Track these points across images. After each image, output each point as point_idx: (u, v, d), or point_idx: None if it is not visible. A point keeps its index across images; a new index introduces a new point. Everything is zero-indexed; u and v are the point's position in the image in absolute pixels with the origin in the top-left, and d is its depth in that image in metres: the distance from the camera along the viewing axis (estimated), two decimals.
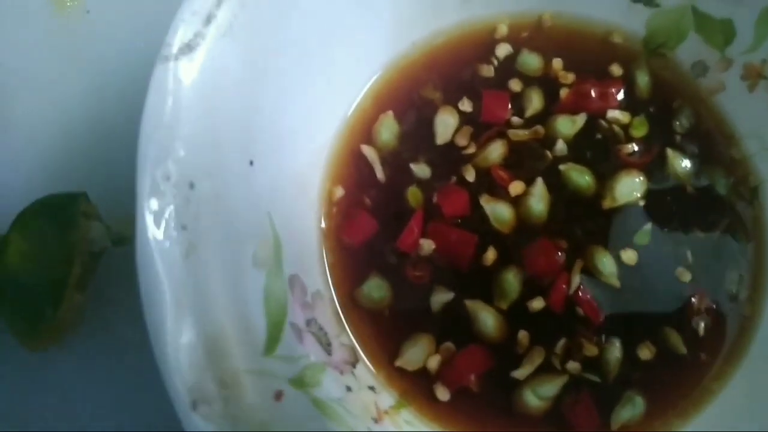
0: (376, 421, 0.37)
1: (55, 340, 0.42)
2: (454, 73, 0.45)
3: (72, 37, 0.47)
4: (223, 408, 0.30)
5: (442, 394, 0.40)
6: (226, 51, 0.34)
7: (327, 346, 0.38)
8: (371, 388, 0.39)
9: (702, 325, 0.42)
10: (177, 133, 0.32)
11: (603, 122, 0.45)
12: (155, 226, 0.30)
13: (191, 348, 0.30)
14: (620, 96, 0.45)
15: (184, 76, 0.32)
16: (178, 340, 0.30)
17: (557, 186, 0.43)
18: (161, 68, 0.32)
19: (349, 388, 0.37)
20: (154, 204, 0.31)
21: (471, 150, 0.44)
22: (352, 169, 0.44)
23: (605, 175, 0.43)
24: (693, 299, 0.42)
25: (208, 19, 0.33)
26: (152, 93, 0.32)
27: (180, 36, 0.32)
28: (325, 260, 0.42)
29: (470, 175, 0.43)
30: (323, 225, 0.42)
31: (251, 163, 0.35)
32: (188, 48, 0.33)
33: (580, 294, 0.41)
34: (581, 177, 0.43)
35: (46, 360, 0.42)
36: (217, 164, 0.33)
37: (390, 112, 0.44)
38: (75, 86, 0.45)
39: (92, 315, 0.43)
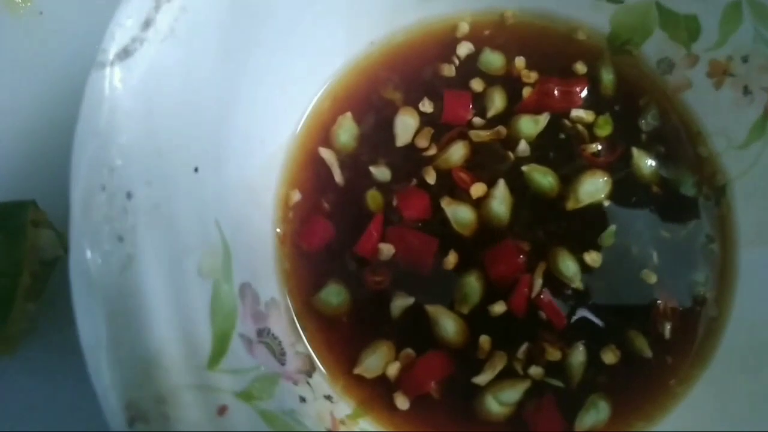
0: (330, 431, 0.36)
1: (6, 349, 0.41)
2: (414, 72, 0.44)
3: (24, 40, 0.46)
4: (162, 425, 0.29)
5: (402, 402, 0.39)
6: (166, 56, 0.33)
7: (281, 356, 0.37)
8: (327, 397, 0.38)
9: (668, 327, 0.41)
10: (113, 141, 0.31)
11: (567, 121, 0.44)
12: (89, 238, 0.29)
13: (127, 364, 0.29)
14: (584, 94, 0.44)
15: (120, 82, 0.31)
16: (114, 357, 0.29)
17: (520, 187, 0.42)
18: (96, 75, 0.31)
19: (303, 399, 0.37)
20: (88, 216, 0.30)
21: (432, 152, 0.43)
22: (310, 173, 0.43)
23: (569, 176, 0.43)
24: (659, 301, 0.41)
25: (147, 24, 0.32)
26: (86, 101, 0.31)
27: (116, 41, 0.31)
28: (281, 267, 0.41)
29: (431, 178, 0.42)
30: (279, 231, 0.41)
31: (196, 169, 0.34)
32: (125, 53, 0.31)
33: (543, 297, 0.40)
34: (544, 178, 0.42)
35: None
36: (158, 172, 0.32)
37: (348, 114, 0.43)
38: (25, 90, 0.44)
39: (47, 323, 0.43)
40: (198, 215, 0.34)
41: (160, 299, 0.31)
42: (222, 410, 0.31)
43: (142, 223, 0.31)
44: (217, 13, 0.35)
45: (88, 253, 0.29)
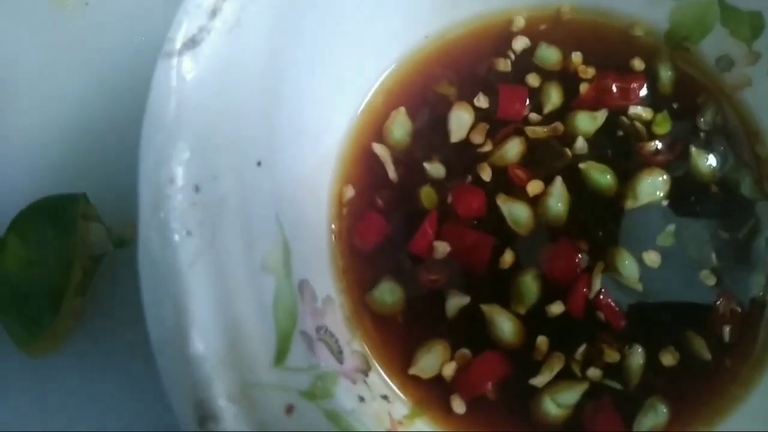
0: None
1: (54, 345, 0.40)
2: (469, 67, 0.44)
3: (71, 31, 0.45)
4: (233, 424, 0.28)
5: (458, 406, 0.38)
6: (233, 46, 0.32)
7: (338, 354, 0.36)
8: (384, 397, 0.38)
9: (727, 329, 0.40)
10: (181, 134, 0.30)
11: (624, 119, 0.43)
12: (158, 232, 0.29)
13: (197, 362, 0.28)
14: (642, 91, 0.43)
15: (188, 73, 0.30)
16: (184, 354, 0.28)
17: (577, 185, 0.41)
18: (164, 65, 0.30)
19: (362, 399, 0.36)
20: (156, 209, 0.29)
21: (487, 148, 0.42)
22: (364, 169, 0.42)
23: (627, 174, 0.42)
24: (718, 303, 0.41)
25: (214, 12, 0.31)
26: (154, 92, 0.30)
27: (183, 30, 0.31)
28: (335, 264, 0.40)
29: (486, 175, 0.41)
30: (333, 227, 0.41)
31: (259, 163, 0.34)
32: (192, 43, 0.31)
33: (601, 298, 0.40)
34: (602, 176, 0.41)
35: (46, 365, 0.40)
36: (224, 166, 0.32)
37: (402, 109, 0.42)
38: (74, 82, 0.44)
39: (92, 319, 0.42)
40: (261, 210, 0.34)
41: (227, 295, 0.30)
42: (290, 409, 0.31)
43: (209, 217, 0.30)
44: (279, 3, 0.34)
45: (158, 247, 0.29)
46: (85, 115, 0.43)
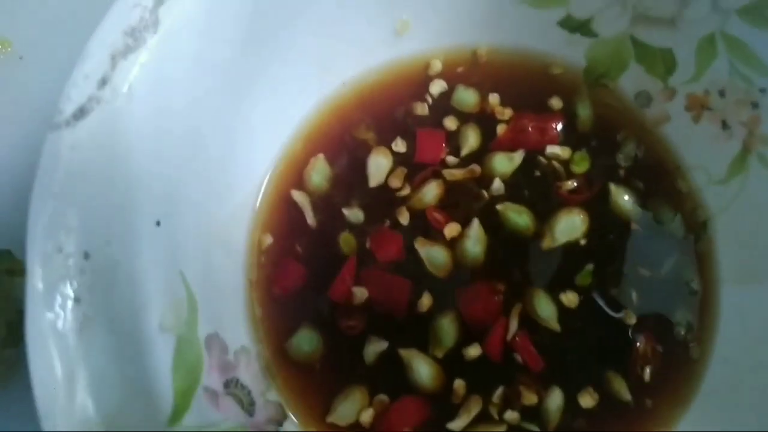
0: None
1: None
2: (387, 112, 0.44)
3: (3, 84, 0.46)
4: None
5: None
6: (125, 113, 0.33)
7: (249, 407, 0.37)
8: None
9: (648, 369, 0.40)
10: (70, 202, 0.31)
11: (542, 158, 0.43)
12: (45, 301, 0.30)
13: (84, 425, 0.29)
14: (560, 130, 0.43)
15: (78, 142, 0.31)
16: (71, 418, 0.29)
17: (494, 227, 0.42)
18: (52, 137, 0.31)
19: None
20: (44, 278, 0.30)
21: (405, 192, 0.42)
22: (282, 216, 0.42)
23: (545, 214, 0.42)
24: (638, 343, 0.40)
25: (103, 82, 0.32)
26: (43, 162, 0.31)
27: (73, 101, 0.32)
28: (252, 313, 0.41)
29: (404, 218, 0.42)
30: (251, 276, 0.41)
31: (158, 223, 0.34)
32: (81, 113, 0.32)
33: (518, 340, 0.40)
34: (519, 217, 0.42)
35: None
36: (117, 230, 0.32)
37: (321, 155, 0.43)
38: (2, 137, 0.45)
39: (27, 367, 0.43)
40: (161, 269, 0.34)
41: (119, 358, 0.31)
42: None
43: (100, 283, 0.31)
44: (179, 68, 0.35)
45: (45, 316, 0.30)
46: (10, 172, 0.44)
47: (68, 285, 0.30)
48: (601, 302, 0.41)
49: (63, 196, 0.31)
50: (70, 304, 0.30)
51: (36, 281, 0.30)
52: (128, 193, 0.33)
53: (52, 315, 0.30)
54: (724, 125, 0.40)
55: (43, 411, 0.29)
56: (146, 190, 0.34)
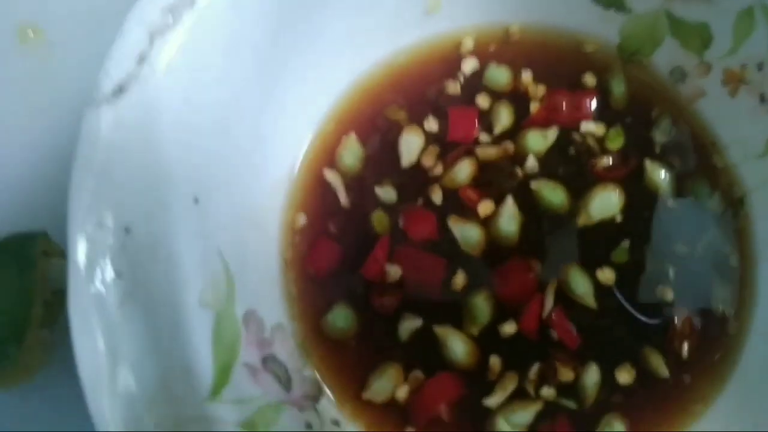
0: None
1: (24, 377, 0.41)
2: (418, 91, 0.44)
3: (36, 71, 0.47)
4: None
5: None
6: (163, 90, 0.33)
7: (286, 383, 0.37)
8: (335, 422, 0.38)
9: (685, 345, 0.40)
10: (111, 179, 0.31)
11: (576, 136, 0.43)
12: (87, 275, 0.30)
13: (128, 398, 0.30)
14: (594, 107, 0.43)
15: (116, 119, 0.31)
16: (114, 391, 0.29)
17: (529, 204, 0.41)
18: (91, 113, 0.31)
19: (309, 425, 0.36)
20: (86, 253, 0.30)
21: (438, 171, 0.42)
22: (315, 196, 0.42)
23: (580, 192, 0.42)
24: (675, 319, 0.40)
25: (141, 59, 0.32)
26: (83, 139, 0.31)
27: (111, 78, 0.32)
28: (287, 292, 0.41)
29: (437, 197, 0.42)
30: (285, 255, 0.41)
31: (196, 200, 0.35)
32: (120, 90, 0.32)
33: (554, 317, 0.40)
34: (554, 194, 0.41)
35: (17, 397, 0.42)
36: (157, 206, 0.33)
37: (353, 135, 0.43)
38: (38, 122, 0.45)
39: (64, 350, 0.43)
40: (199, 246, 0.34)
41: (159, 333, 0.31)
42: None
43: (140, 257, 0.32)
44: (214, 47, 0.35)
45: (87, 291, 0.30)
46: (46, 154, 0.44)
47: (110, 260, 0.31)
48: (637, 279, 0.41)
49: (103, 172, 0.31)
50: (111, 278, 0.30)
51: (78, 255, 0.30)
52: (166, 170, 0.33)
53: (95, 289, 0.30)
54: (762, 99, 0.40)
55: (88, 386, 0.29)
56: (183, 168, 0.34)
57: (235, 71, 0.37)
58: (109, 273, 0.30)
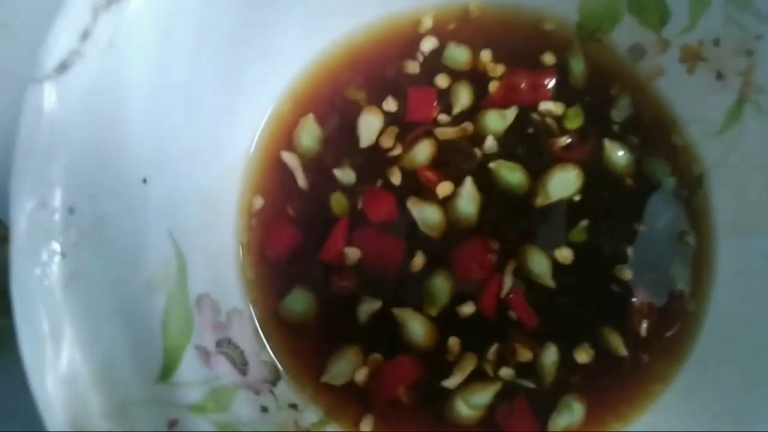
0: None
1: None
2: (377, 71, 0.43)
3: None
4: None
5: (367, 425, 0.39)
6: (108, 67, 0.32)
7: (242, 366, 0.37)
8: (293, 406, 0.38)
9: (644, 324, 0.40)
10: (53, 157, 0.30)
11: (535, 115, 0.42)
12: (30, 256, 0.29)
13: (72, 380, 0.29)
14: (553, 86, 0.43)
15: (59, 96, 0.31)
16: (58, 373, 0.29)
17: (488, 185, 0.41)
18: (33, 90, 0.31)
19: (264, 409, 0.36)
20: (28, 233, 0.29)
21: (397, 151, 0.42)
22: (273, 178, 0.42)
23: (538, 171, 0.41)
24: (634, 298, 0.40)
25: (84, 35, 0.32)
26: (24, 117, 0.30)
27: (54, 55, 0.31)
28: (245, 276, 0.40)
29: (396, 178, 0.41)
30: (242, 239, 0.41)
31: (144, 181, 0.34)
32: (63, 67, 0.31)
33: (513, 297, 0.39)
34: (512, 174, 0.41)
35: None
36: (102, 186, 0.32)
37: (311, 116, 0.42)
38: None
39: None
40: (148, 227, 0.34)
41: (106, 315, 0.31)
42: (173, 424, 0.31)
43: (85, 238, 0.31)
44: (160, 21, 0.34)
45: (30, 270, 0.29)
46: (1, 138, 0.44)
47: (54, 240, 0.30)
48: (595, 258, 0.41)
49: (46, 151, 0.30)
50: (56, 259, 0.30)
51: (21, 236, 0.29)
52: (113, 149, 0.33)
53: (39, 270, 0.29)
54: (719, 75, 0.40)
55: (29, 365, 0.29)
56: (132, 147, 0.34)
57: (186, 49, 0.36)
58: (54, 253, 0.30)
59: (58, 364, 0.29)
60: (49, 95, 0.31)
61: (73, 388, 0.29)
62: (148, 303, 0.33)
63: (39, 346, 0.29)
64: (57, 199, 0.30)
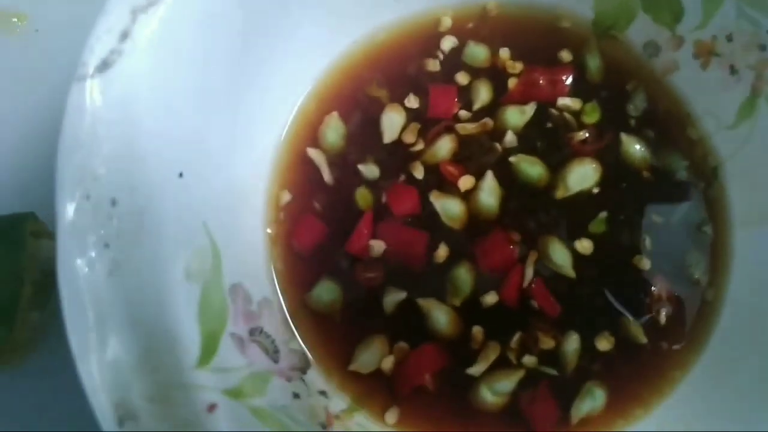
0: (324, 426, 0.37)
1: (14, 358, 0.42)
2: (399, 69, 0.45)
3: (21, 57, 0.47)
4: (151, 423, 0.30)
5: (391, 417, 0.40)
6: (146, 66, 0.34)
7: (274, 354, 0.38)
8: (322, 393, 0.39)
9: (663, 313, 0.41)
10: (96, 152, 0.32)
11: (554, 110, 0.44)
12: (75, 246, 0.30)
13: (116, 365, 0.30)
14: (570, 82, 0.44)
15: (101, 94, 0.32)
16: (103, 359, 0.30)
17: (508, 178, 0.42)
18: (77, 88, 0.32)
19: (296, 395, 0.37)
20: (74, 224, 0.31)
21: (419, 147, 0.43)
22: (299, 173, 0.43)
23: (557, 165, 0.43)
24: (653, 287, 0.41)
25: (124, 35, 0.33)
26: (68, 113, 0.32)
27: (96, 54, 0.32)
28: (274, 267, 0.42)
29: (419, 173, 0.43)
30: (270, 231, 0.42)
31: (181, 174, 0.35)
32: (104, 65, 0.32)
33: (534, 287, 0.41)
34: (532, 168, 0.42)
35: (7, 378, 0.42)
36: (142, 179, 0.33)
37: (335, 113, 0.44)
38: (24, 105, 0.46)
39: (54, 331, 0.44)
40: (185, 219, 0.35)
41: (148, 302, 0.32)
42: (211, 408, 0.32)
43: (127, 229, 0.32)
44: (195, 22, 0.36)
45: (75, 261, 0.30)
46: (33, 137, 0.45)
47: (98, 231, 0.31)
48: (614, 249, 0.42)
49: (89, 145, 0.32)
50: (100, 249, 0.31)
51: (67, 227, 0.31)
52: (151, 144, 0.34)
53: (83, 260, 0.31)
54: (732, 70, 0.41)
55: (78, 353, 0.30)
56: (168, 142, 0.35)
57: (218, 49, 0.38)
58: (97, 244, 0.31)
59: (103, 350, 0.30)
60: (92, 92, 0.32)
61: (117, 373, 0.30)
62: (185, 291, 0.34)
63: (85, 333, 0.30)
64: (100, 191, 0.32)
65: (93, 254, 0.31)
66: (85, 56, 0.32)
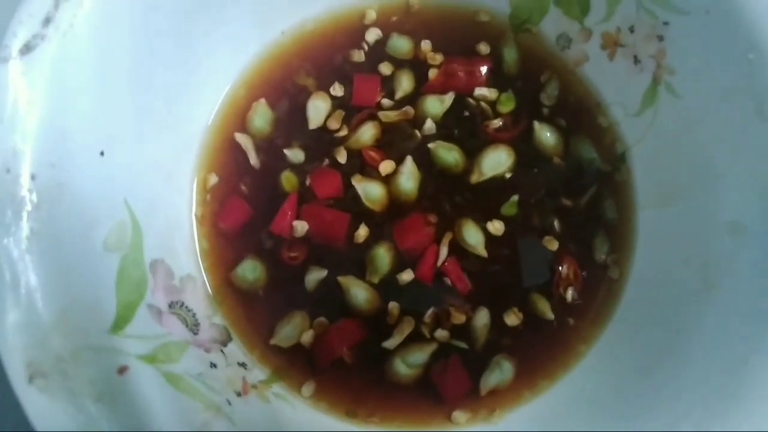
0: (239, 394, 0.39)
1: None
2: (325, 59, 0.47)
3: None
4: (61, 381, 0.32)
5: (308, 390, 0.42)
6: (69, 49, 0.36)
7: (194, 327, 0.40)
8: (242, 364, 0.41)
9: (570, 291, 0.43)
10: (17, 128, 0.34)
11: (471, 100, 0.46)
12: None
13: (31, 327, 0.32)
14: (487, 73, 0.46)
15: (23, 75, 0.34)
16: (17, 321, 0.32)
17: (427, 164, 0.45)
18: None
19: (213, 365, 0.39)
20: None
21: (343, 133, 0.45)
22: (227, 157, 0.45)
23: (473, 151, 0.45)
24: (561, 266, 0.43)
25: (47, 20, 0.35)
26: None
27: (18, 38, 0.35)
28: (200, 245, 0.44)
29: (342, 157, 0.45)
30: (197, 212, 0.44)
31: (102, 153, 0.37)
32: (27, 48, 0.35)
33: (448, 265, 0.43)
34: (449, 154, 0.45)
35: None
36: (62, 155, 0.35)
37: (263, 100, 0.46)
38: None
39: None
40: (104, 194, 0.37)
41: (65, 270, 0.34)
42: (122, 370, 0.34)
43: (46, 201, 0.34)
44: (123, 9, 0.38)
45: None
46: None
47: (16, 201, 0.33)
48: (525, 230, 0.44)
49: (10, 122, 0.34)
50: (18, 218, 0.33)
51: None
52: (72, 123, 0.36)
53: (1, 228, 0.33)
54: (636, 60, 0.43)
55: None
56: (90, 122, 0.37)
57: (147, 35, 0.40)
58: (15, 213, 0.33)
59: (17, 313, 0.32)
60: (13, 74, 0.34)
61: (30, 333, 0.32)
62: (103, 262, 0.36)
63: (1, 293, 0.32)
64: (20, 165, 0.34)
65: (11, 223, 0.33)
66: (7, 39, 0.35)
